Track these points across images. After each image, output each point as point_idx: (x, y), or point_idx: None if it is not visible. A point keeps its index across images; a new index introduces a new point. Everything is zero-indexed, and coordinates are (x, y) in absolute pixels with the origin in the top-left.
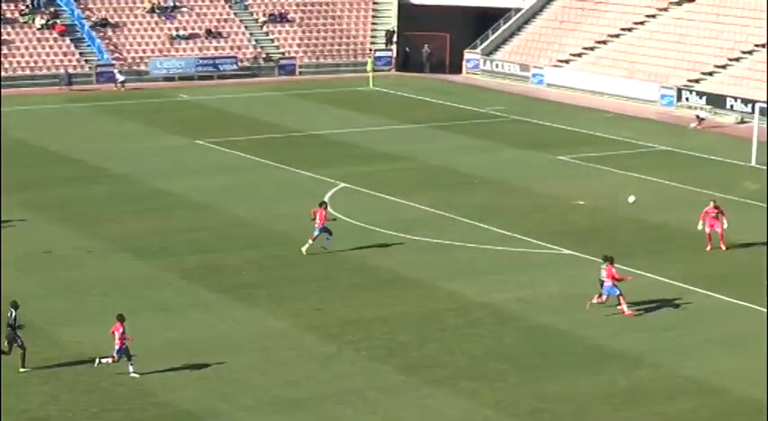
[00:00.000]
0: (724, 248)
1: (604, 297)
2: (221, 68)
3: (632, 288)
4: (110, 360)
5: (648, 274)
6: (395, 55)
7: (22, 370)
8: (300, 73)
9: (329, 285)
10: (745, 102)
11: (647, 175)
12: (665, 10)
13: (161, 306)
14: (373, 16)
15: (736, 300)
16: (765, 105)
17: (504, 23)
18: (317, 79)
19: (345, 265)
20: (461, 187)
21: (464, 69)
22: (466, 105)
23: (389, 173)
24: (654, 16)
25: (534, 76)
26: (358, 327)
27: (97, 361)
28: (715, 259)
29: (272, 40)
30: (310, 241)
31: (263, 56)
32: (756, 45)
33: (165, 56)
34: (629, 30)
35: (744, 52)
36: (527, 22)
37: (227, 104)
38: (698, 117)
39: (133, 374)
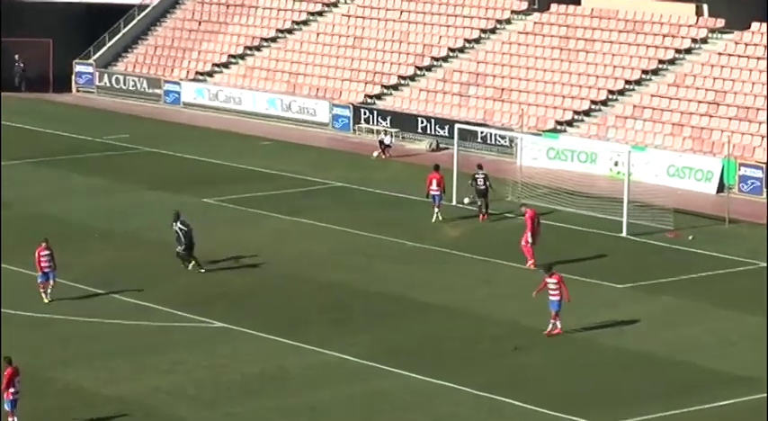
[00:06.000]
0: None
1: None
2: None
3: (303, 370)
4: None
5: (327, 351)
6: None
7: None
8: None
9: None
10: (441, 122)
11: (318, 221)
12: (335, 5)
13: None
14: None
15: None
16: (466, 127)
17: (126, 25)
18: None
19: None
20: (75, 242)
21: (74, 86)
22: (78, 134)
23: None
24: (320, 14)
25: (168, 93)
26: None
27: None
28: (405, 329)
29: None
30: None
31: None
32: (452, 49)
33: None
34: (289, 32)
35: (436, 59)
36: (156, 22)
37: None
38: (381, 143)
39: None
